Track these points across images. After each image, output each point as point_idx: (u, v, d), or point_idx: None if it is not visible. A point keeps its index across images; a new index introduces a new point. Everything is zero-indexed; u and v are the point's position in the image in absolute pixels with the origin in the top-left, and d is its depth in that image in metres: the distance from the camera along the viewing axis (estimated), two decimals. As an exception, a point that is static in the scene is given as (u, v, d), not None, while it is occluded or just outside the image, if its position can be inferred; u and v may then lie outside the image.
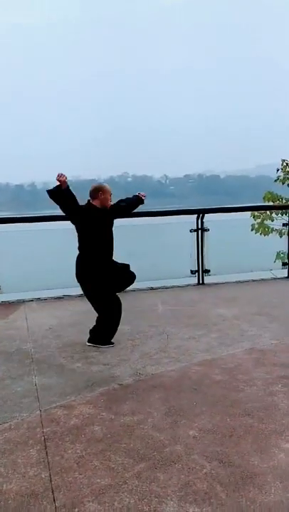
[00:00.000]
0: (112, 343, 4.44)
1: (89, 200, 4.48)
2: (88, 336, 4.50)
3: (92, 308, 4.51)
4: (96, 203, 4.45)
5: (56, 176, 4.22)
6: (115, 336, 4.55)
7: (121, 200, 4.80)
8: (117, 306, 4.49)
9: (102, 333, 4.46)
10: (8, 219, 7.14)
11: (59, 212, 4.52)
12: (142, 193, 4.92)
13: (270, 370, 3.76)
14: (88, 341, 4.48)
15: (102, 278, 4.40)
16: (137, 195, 4.89)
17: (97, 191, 4.44)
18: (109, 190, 4.49)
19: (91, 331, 4.52)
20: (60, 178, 4.20)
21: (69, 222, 4.54)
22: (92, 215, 4.40)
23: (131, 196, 4.91)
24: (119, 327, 4.57)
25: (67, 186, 4.27)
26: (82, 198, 4.42)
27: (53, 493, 2.31)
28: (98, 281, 4.41)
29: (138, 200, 4.90)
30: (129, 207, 4.86)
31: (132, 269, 4.63)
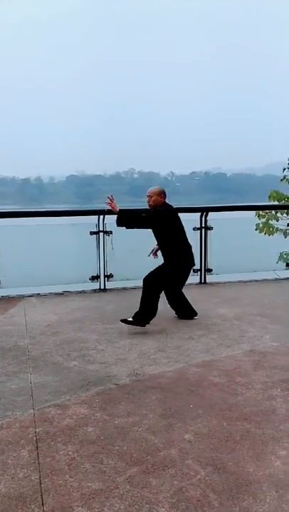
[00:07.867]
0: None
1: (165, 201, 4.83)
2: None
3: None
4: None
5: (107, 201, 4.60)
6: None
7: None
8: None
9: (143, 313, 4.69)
10: (11, 213, 7.12)
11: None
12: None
13: (270, 373, 3.68)
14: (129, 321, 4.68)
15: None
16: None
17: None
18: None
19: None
20: (112, 205, 4.61)
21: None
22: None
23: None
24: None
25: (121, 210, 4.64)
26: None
27: (41, 497, 2.26)
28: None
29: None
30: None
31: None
